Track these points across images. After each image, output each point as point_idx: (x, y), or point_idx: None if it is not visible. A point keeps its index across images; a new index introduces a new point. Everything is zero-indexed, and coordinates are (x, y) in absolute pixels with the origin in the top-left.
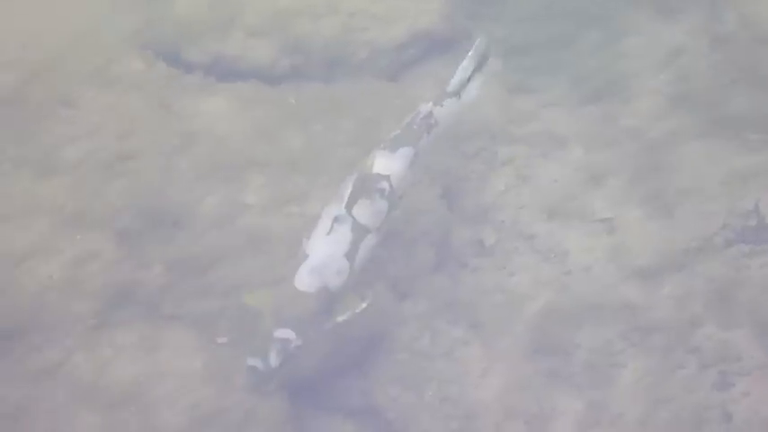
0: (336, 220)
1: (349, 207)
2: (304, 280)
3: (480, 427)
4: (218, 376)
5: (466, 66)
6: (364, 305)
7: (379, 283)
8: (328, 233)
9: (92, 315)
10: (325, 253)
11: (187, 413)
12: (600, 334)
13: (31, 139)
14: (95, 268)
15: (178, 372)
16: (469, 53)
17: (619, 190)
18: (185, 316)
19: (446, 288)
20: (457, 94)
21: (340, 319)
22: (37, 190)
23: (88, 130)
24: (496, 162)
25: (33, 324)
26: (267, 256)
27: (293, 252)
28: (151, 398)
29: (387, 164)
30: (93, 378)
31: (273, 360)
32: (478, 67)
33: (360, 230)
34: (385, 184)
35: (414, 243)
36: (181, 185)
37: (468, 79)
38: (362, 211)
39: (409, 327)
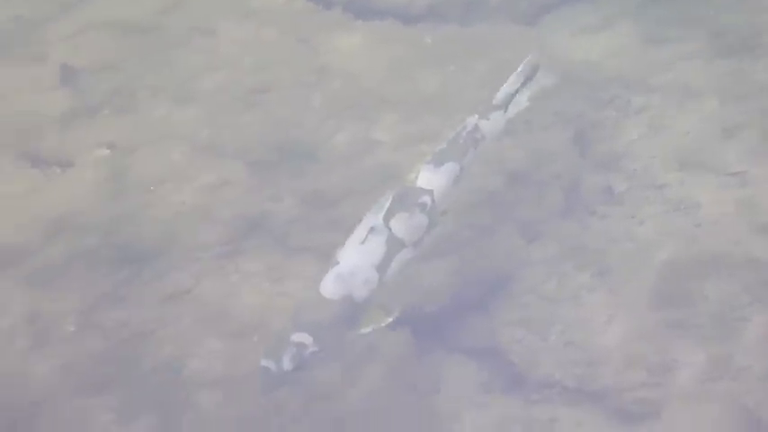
0: (372, 230)
1: (387, 219)
2: (329, 286)
3: (602, 373)
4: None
5: (513, 80)
6: (390, 320)
7: (507, 228)
8: (362, 242)
9: (221, 243)
10: (354, 262)
11: None
12: (726, 287)
13: (168, 68)
14: (227, 197)
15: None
16: (518, 69)
17: (752, 144)
18: (313, 248)
19: (574, 233)
20: (503, 107)
21: (363, 331)
22: (173, 118)
23: (225, 60)
24: (630, 110)
25: (164, 249)
26: None
27: None
28: (275, 327)
29: (431, 178)
30: (219, 305)
31: (287, 364)
32: (527, 81)
33: (395, 244)
34: (427, 199)
35: (544, 186)
36: (314, 120)
37: (515, 93)
38: (400, 225)
39: (536, 270)
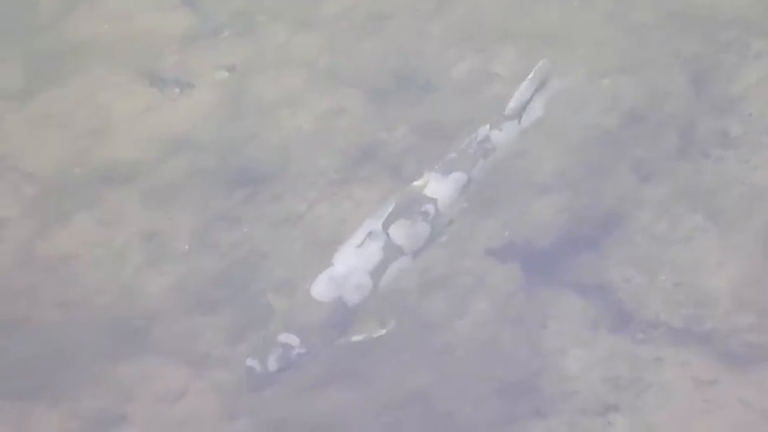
0: (370, 234)
1: (386, 225)
2: (321, 288)
3: (711, 315)
4: (452, 240)
5: (525, 88)
6: (383, 332)
7: (621, 166)
8: (359, 246)
9: (335, 169)
10: (349, 265)
11: (417, 274)
12: None
13: None
14: (343, 124)
15: None
16: (529, 76)
17: None
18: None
19: (688, 175)
20: (516, 117)
21: (354, 339)
22: (292, 43)
23: None
24: (749, 54)
25: (279, 173)
26: None
27: None
28: None
29: (436, 187)
30: (331, 231)
31: (272, 364)
32: (539, 89)
33: (392, 250)
34: (430, 208)
35: (659, 126)
36: (432, 50)
37: (528, 101)
38: (400, 232)
39: (648, 210)
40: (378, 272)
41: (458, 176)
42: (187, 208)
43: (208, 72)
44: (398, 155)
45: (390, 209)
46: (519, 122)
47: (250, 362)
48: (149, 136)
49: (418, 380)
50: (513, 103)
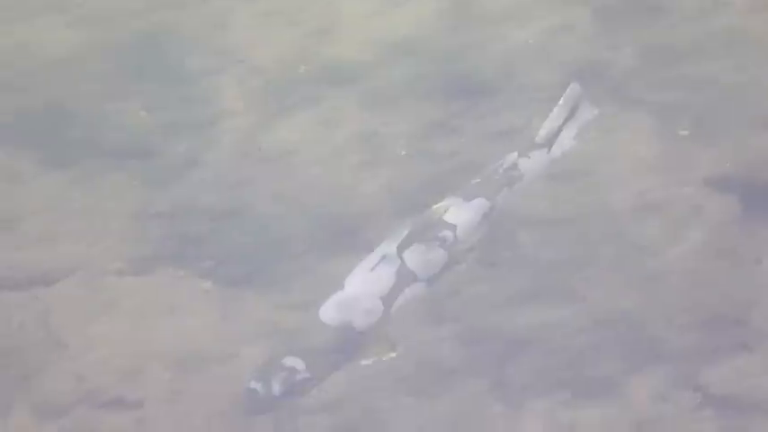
0: (384, 258)
1: (401, 248)
2: (329, 311)
3: None
4: (671, 167)
5: (556, 115)
6: (393, 355)
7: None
8: (371, 269)
9: (557, 86)
10: (360, 289)
11: (633, 198)
12: None
13: None
14: (568, 41)
15: (632, 156)
16: (560, 102)
17: None
18: (649, 102)
19: None
20: (546, 145)
21: (364, 363)
22: None
23: None
24: None
25: (500, 85)
26: (738, 58)
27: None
28: (600, 176)
29: (456, 213)
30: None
31: (275, 388)
32: (571, 116)
33: (406, 276)
34: (448, 234)
35: None
36: None
37: (560, 129)
38: (414, 257)
39: None
40: (390, 297)
41: (480, 203)
42: (405, 113)
43: None
44: (622, 76)
45: (406, 232)
46: (549, 152)
47: (253, 384)
48: (374, 39)
49: (626, 302)
50: (543, 131)
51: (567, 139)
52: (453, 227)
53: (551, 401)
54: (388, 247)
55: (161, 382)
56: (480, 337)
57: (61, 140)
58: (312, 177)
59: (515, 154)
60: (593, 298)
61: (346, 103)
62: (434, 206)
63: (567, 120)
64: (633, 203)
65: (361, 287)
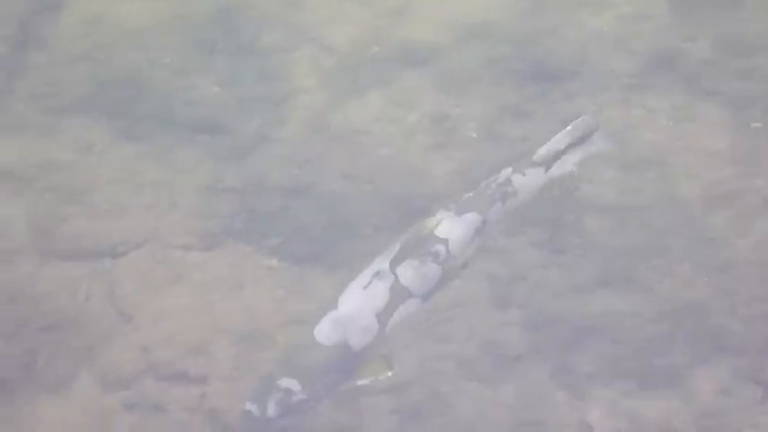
0: (377, 275)
1: (393, 265)
2: (324, 330)
3: None
4: (743, 159)
5: (560, 138)
6: (390, 374)
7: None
8: (365, 287)
9: (630, 74)
10: (354, 307)
11: (704, 188)
12: None
13: None
14: (644, 29)
15: (703, 147)
16: (568, 127)
17: None
18: (723, 94)
19: None
20: (544, 165)
21: (360, 383)
22: None
23: None
24: None
25: (574, 71)
26: None
27: None
28: (672, 167)
29: (448, 227)
30: (620, 136)
31: (271, 410)
32: (577, 143)
33: (400, 292)
34: (440, 248)
35: None
36: None
37: (562, 153)
38: (407, 273)
39: None
40: (385, 314)
41: (471, 218)
42: (478, 96)
43: None
44: (696, 66)
45: (397, 248)
46: (546, 171)
47: (248, 406)
48: (449, 21)
49: (694, 292)
50: (542, 150)
51: (568, 164)
52: (446, 241)
53: (615, 390)
54: (381, 263)
55: (226, 357)
56: (546, 324)
57: (135, 113)
58: (382, 158)
59: (509, 170)
60: (661, 288)
61: (419, 85)
62: (426, 220)
63: (571, 145)
64: (704, 194)
65: (356, 304)
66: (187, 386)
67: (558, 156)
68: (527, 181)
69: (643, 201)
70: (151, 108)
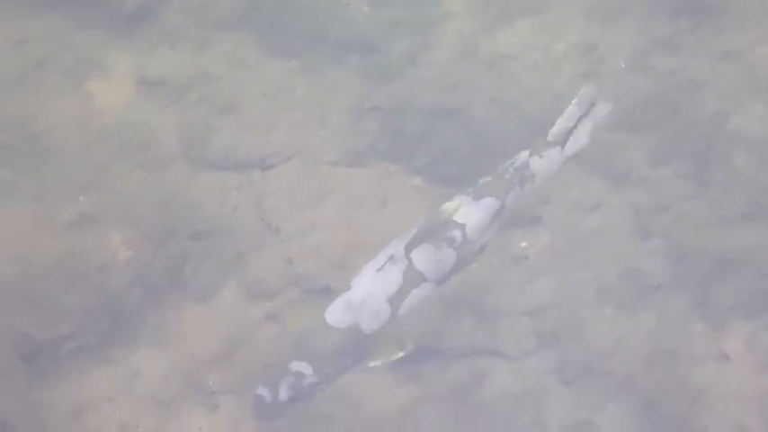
0: (391, 258)
1: (408, 249)
2: (336, 314)
3: None
4: None
5: (570, 113)
6: (401, 355)
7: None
8: (378, 270)
9: None
10: (367, 290)
11: None
12: None
13: None
14: None
15: None
16: (574, 100)
17: None
18: None
19: None
20: (560, 144)
21: (372, 364)
22: None
23: None
24: None
25: (726, 6)
26: None
27: None
28: None
29: (466, 212)
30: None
31: (283, 393)
32: (585, 115)
33: (414, 276)
34: (457, 234)
35: None
36: None
37: (574, 128)
38: (422, 257)
39: None
40: (397, 298)
41: (489, 202)
42: (629, 27)
43: None
44: None
45: (414, 231)
46: (562, 150)
47: (260, 390)
48: None
49: None
50: (555, 129)
51: (581, 138)
52: (463, 226)
53: (755, 324)
54: (396, 247)
55: None
56: (688, 255)
57: (286, 30)
58: (529, 84)
59: (526, 153)
60: None
61: (569, 14)
62: (444, 205)
63: (580, 119)
64: None
65: (368, 288)
66: (330, 300)
67: (570, 132)
68: (545, 163)
69: None
70: (303, 26)
